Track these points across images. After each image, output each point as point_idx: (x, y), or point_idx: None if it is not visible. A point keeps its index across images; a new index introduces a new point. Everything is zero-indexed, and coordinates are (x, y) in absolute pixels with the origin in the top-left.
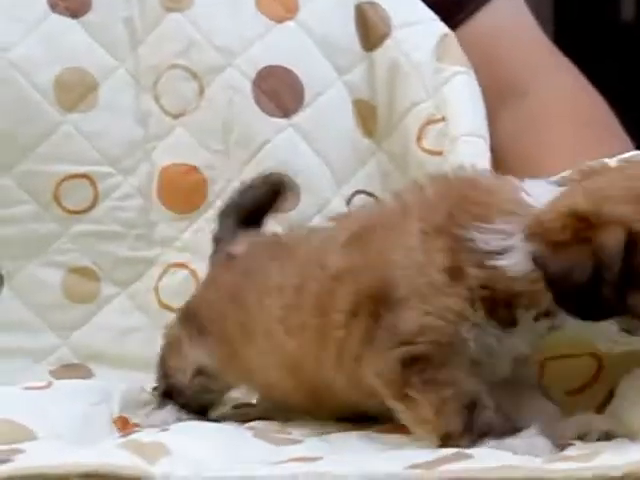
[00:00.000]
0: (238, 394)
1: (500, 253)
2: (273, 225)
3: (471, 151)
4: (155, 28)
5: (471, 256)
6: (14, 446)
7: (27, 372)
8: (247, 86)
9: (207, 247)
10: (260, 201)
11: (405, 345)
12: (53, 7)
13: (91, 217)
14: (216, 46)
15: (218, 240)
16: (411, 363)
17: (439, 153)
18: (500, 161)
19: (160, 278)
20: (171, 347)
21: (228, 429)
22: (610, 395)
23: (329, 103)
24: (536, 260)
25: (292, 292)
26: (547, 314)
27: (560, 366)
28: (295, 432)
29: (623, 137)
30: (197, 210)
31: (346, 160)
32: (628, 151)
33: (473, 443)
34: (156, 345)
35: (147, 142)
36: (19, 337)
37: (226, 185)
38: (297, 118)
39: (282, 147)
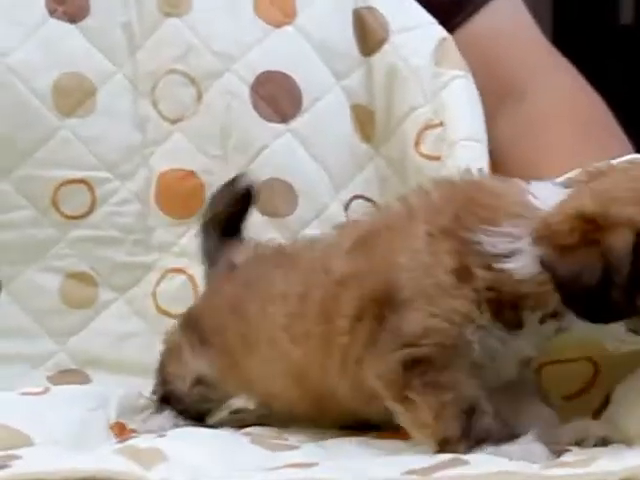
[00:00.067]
0: (236, 401)
1: (507, 256)
2: (271, 231)
3: (469, 155)
4: (153, 33)
5: (478, 258)
6: (11, 452)
7: (25, 378)
8: (245, 91)
9: None
10: (232, 209)
11: (408, 347)
12: (51, 12)
13: (89, 222)
14: (214, 51)
15: (209, 254)
16: (412, 365)
17: (437, 158)
18: (499, 165)
19: (158, 283)
20: (171, 353)
21: (224, 435)
22: (606, 400)
23: (327, 108)
24: (544, 264)
25: (297, 300)
26: (554, 316)
27: (557, 371)
28: (291, 438)
29: (622, 138)
30: (195, 215)
31: (344, 165)
32: (627, 152)
33: (470, 449)
34: (154, 350)
35: (145, 147)
36: (17, 343)
37: None
38: (295, 123)
39: (280, 152)
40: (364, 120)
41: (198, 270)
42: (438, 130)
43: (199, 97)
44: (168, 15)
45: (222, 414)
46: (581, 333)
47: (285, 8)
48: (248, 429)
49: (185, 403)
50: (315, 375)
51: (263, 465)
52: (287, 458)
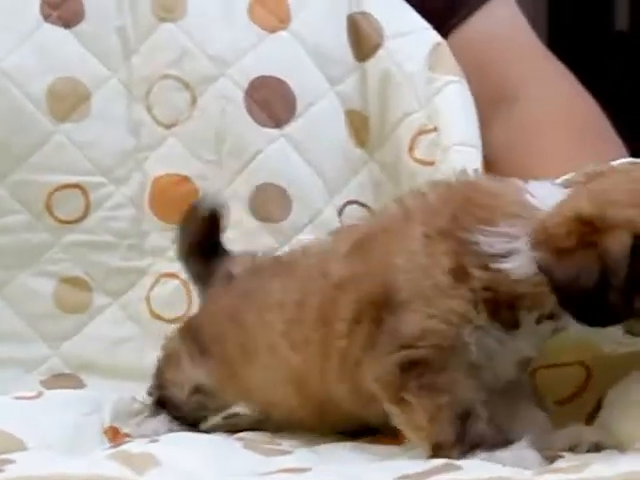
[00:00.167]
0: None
1: (504, 256)
2: (265, 236)
3: (463, 160)
4: (148, 38)
5: (475, 258)
6: (4, 456)
7: (18, 382)
8: (239, 96)
9: None
10: (200, 237)
11: (405, 349)
12: (46, 17)
13: (83, 227)
14: (209, 56)
15: (199, 278)
16: (409, 367)
17: (431, 163)
18: (493, 170)
19: (151, 288)
20: (169, 360)
21: (218, 440)
22: (598, 405)
23: (321, 113)
24: (542, 267)
25: (295, 306)
26: (550, 316)
27: (550, 375)
28: (285, 443)
29: (617, 143)
30: None
31: (338, 170)
32: (622, 157)
33: (464, 454)
34: (147, 355)
35: (139, 152)
36: (10, 347)
37: None
38: (289, 128)
39: (274, 157)
40: (358, 125)
41: None
42: (432, 135)
43: (193, 102)
44: (163, 20)
45: (215, 419)
46: (578, 334)
47: (279, 13)
48: (241, 434)
49: (183, 411)
50: (315, 381)
51: (256, 470)
52: (280, 463)
